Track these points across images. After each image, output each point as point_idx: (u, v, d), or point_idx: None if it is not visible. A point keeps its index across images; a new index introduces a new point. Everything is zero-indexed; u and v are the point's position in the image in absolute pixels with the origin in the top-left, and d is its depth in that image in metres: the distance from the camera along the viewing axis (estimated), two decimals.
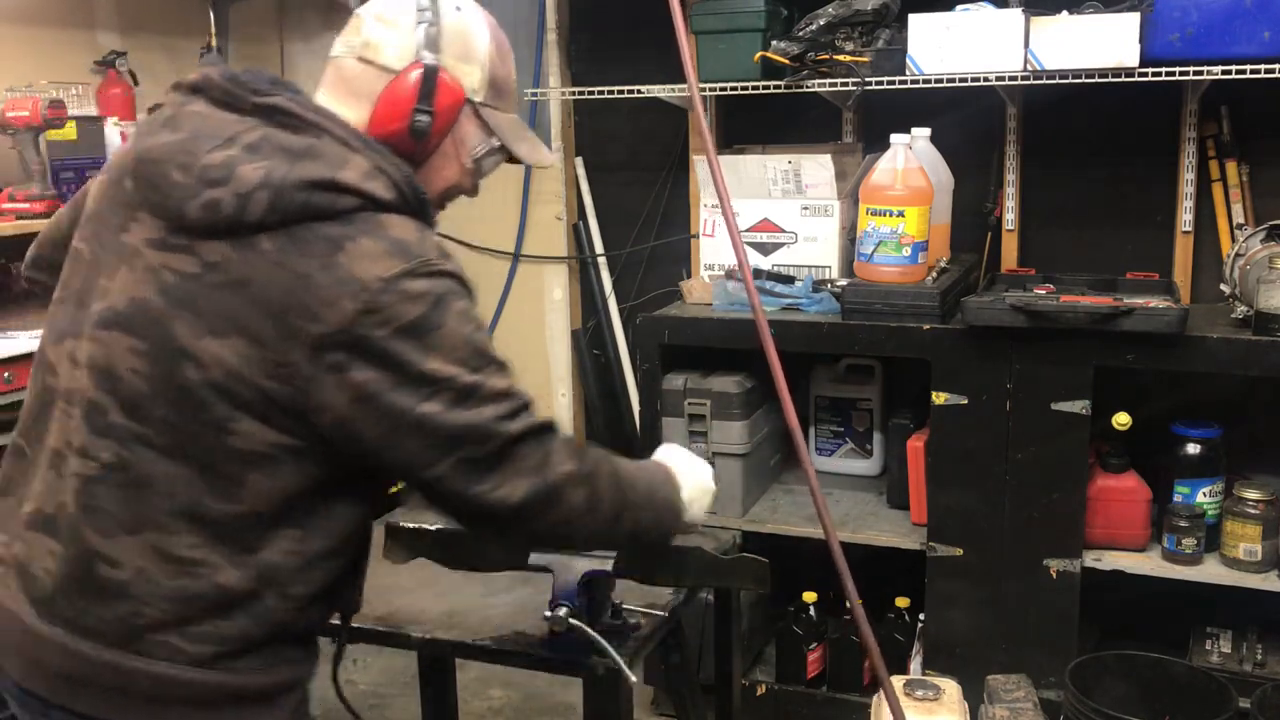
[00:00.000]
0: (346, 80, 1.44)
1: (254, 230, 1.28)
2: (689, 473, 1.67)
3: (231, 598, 1.32)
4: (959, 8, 2.80)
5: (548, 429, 1.41)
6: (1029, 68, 2.71)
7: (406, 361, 1.29)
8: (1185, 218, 2.99)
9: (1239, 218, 2.94)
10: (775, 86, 3.01)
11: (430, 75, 1.41)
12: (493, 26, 1.50)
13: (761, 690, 3.07)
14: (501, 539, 1.67)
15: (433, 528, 1.85)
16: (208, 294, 1.29)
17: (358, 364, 1.28)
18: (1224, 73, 2.59)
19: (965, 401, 2.75)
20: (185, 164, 1.31)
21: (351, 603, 1.55)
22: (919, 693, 2.54)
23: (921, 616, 2.93)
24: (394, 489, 1.59)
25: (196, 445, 1.29)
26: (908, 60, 2.81)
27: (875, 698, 2.64)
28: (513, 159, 1.57)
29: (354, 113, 1.41)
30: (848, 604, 2.88)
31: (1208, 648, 2.83)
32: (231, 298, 1.28)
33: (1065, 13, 2.68)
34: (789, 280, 3.01)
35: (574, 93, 3.49)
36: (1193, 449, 2.75)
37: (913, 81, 2.83)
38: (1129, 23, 2.59)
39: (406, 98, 1.41)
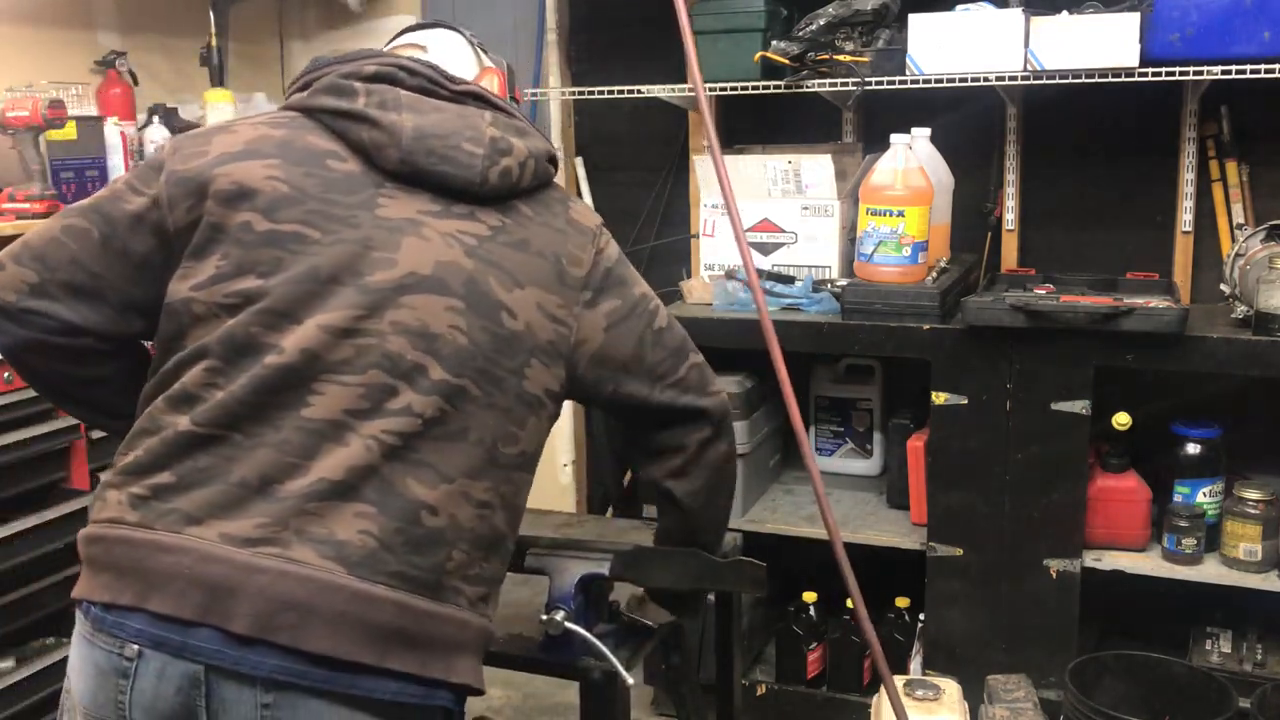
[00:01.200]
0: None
1: (517, 195, 1.49)
2: None
3: (497, 539, 1.44)
4: (959, 8, 2.80)
5: None
6: (1029, 68, 2.70)
7: (629, 288, 1.56)
8: (1185, 218, 2.99)
9: (1239, 218, 2.94)
10: (775, 86, 3.01)
11: (511, 74, 1.68)
12: None
13: (761, 690, 3.07)
14: (693, 471, 1.70)
15: None
16: (503, 252, 1.44)
17: (603, 296, 1.52)
18: (1224, 73, 2.58)
19: (965, 401, 2.75)
20: (474, 138, 1.44)
21: None
22: (919, 693, 2.54)
23: (921, 616, 2.93)
24: None
25: (501, 390, 1.42)
26: (908, 60, 2.81)
27: (875, 697, 2.64)
28: None
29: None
30: (850, 605, 2.89)
31: (1208, 648, 2.83)
32: (519, 254, 1.46)
33: (1065, 13, 2.68)
34: (789, 280, 3.01)
35: (574, 93, 3.48)
36: (1193, 449, 2.75)
37: (913, 81, 2.83)
38: (1129, 23, 2.59)
39: (500, 93, 1.61)
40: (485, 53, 1.70)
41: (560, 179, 3.70)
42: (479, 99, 1.50)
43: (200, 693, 1.29)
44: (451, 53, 1.63)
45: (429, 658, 1.35)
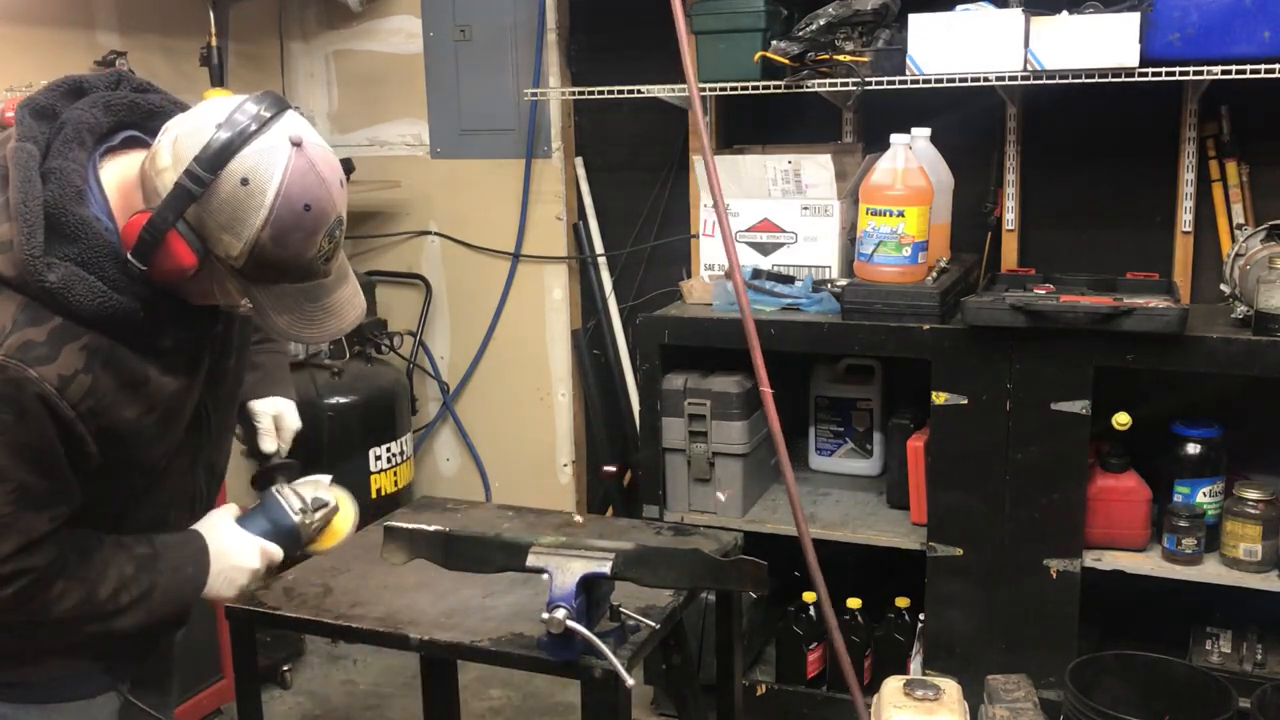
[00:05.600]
0: (143, 173, 1.43)
1: None
2: (228, 550, 1.66)
3: None
4: (959, 8, 2.80)
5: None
6: (1029, 68, 2.70)
7: None
8: (1185, 218, 2.99)
9: (1239, 218, 2.94)
10: (775, 86, 3.01)
11: (153, 235, 1.38)
12: (283, 211, 1.38)
13: (762, 690, 3.07)
14: None
15: (431, 529, 1.85)
16: None
17: None
18: (1224, 73, 2.59)
19: (965, 401, 2.75)
20: None
21: None
22: (919, 693, 2.53)
23: (921, 616, 2.94)
24: None
25: None
26: (908, 60, 2.81)
27: (875, 697, 2.64)
28: None
29: (136, 197, 1.43)
30: (850, 605, 2.88)
31: (1208, 648, 2.83)
32: None
33: (1065, 13, 2.68)
34: (789, 280, 3.01)
35: (574, 93, 3.49)
36: (1193, 449, 2.75)
37: (913, 81, 2.83)
38: (1129, 23, 2.59)
39: (128, 239, 1.40)
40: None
41: (559, 179, 3.72)
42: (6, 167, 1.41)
43: None
44: (168, 161, 1.40)
45: None
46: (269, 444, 1.87)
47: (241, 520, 1.71)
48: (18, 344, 1.36)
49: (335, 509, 1.79)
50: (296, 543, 1.74)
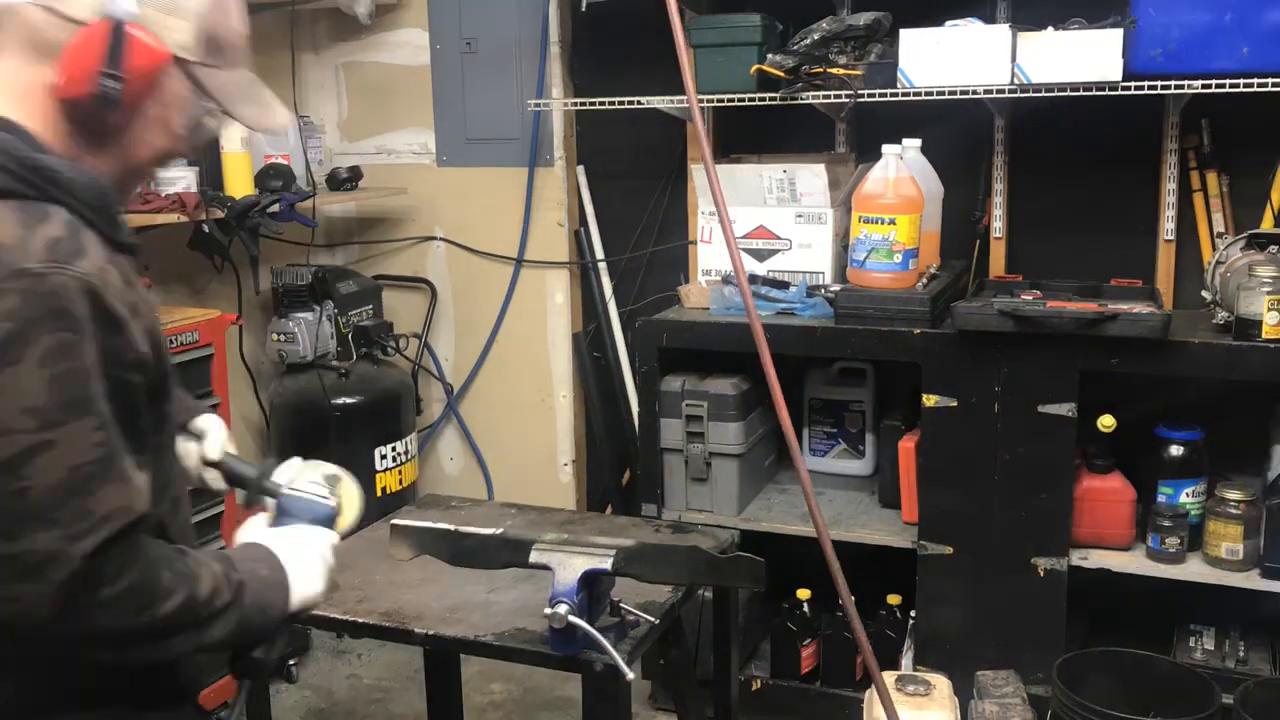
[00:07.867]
0: (31, 32, 1.24)
1: None
2: (293, 547, 1.47)
3: None
4: (949, 23, 2.86)
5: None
6: (1016, 81, 2.77)
7: None
8: (1167, 226, 3.05)
9: (1219, 226, 3.00)
10: (771, 98, 3.07)
11: (118, 32, 1.22)
12: None
13: (756, 685, 3.12)
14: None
15: (435, 525, 1.89)
16: None
17: None
18: (1204, 87, 2.64)
19: (955, 404, 2.81)
20: None
21: None
22: (910, 688, 2.58)
23: (912, 613, 2.99)
24: None
25: None
26: (899, 73, 2.87)
27: (868, 692, 2.70)
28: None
29: (36, 70, 1.24)
30: (840, 602, 2.95)
31: (1191, 644, 2.89)
32: None
33: (1051, 29, 2.74)
34: (783, 285, 3.07)
35: (576, 103, 3.55)
36: (1176, 450, 2.81)
37: (904, 94, 2.89)
38: (1112, 38, 2.65)
39: (90, 59, 1.22)
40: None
41: (562, 187, 3.78)
42: None
43: None
44: None
45: None
46: (220, 448, 1.67)
47: (277, 524, 1.54)
48: (44, 245, 1.15)
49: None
50: (333, 526, 1.58)
